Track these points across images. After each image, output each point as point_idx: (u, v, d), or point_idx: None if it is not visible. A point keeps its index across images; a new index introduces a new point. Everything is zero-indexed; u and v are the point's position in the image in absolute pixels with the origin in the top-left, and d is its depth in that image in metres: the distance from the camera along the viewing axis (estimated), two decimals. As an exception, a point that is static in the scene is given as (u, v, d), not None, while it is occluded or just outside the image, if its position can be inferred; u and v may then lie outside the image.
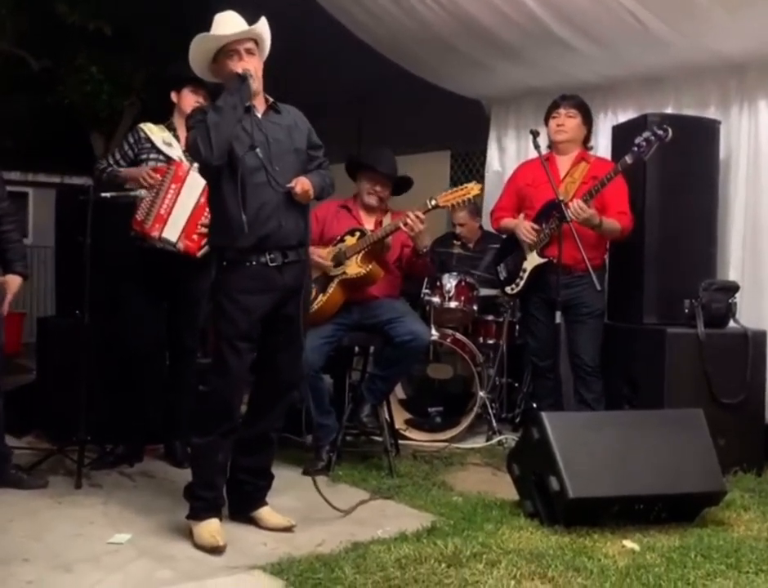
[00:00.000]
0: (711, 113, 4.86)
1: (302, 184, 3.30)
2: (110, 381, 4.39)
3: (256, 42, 3.35)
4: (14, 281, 3.88)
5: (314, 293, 4.31)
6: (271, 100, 3.41)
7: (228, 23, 3.32)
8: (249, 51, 3.30)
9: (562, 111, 4.45)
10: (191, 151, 3.28)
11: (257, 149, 3.24)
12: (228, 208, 3.23)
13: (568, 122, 4.44)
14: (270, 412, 3.42)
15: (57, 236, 4.74)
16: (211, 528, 3.18)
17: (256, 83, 3.30)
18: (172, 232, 3.97)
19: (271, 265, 3.26)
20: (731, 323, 4.33)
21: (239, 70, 3.23)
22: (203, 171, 3.47)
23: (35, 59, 7.53)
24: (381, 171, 4.44)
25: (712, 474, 3.43)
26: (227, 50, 3.29)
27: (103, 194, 3.96)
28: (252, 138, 3.25)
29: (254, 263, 3.25)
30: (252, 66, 3.27)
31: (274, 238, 3.26)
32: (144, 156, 4.18)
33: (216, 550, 3.10)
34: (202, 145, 3.15)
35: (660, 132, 4.02)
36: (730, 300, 4.30)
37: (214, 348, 3.32)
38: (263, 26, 3.37)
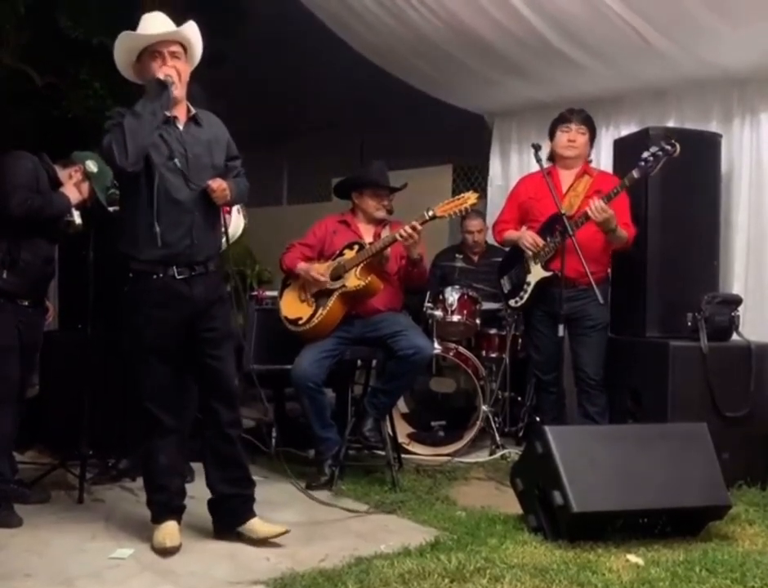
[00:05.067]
0: (713, 126, 4.88)
1: (219, 183, 3.28)
2: (113, 396, 4.38)
3: (184, 46, 3.30)
4: (52, 306, 4.15)
5: (314, 308, 4.32)
6: (194, 110, 3.36)
7: (155, 23, 3.29)
8: (174, 54, 3.26)
9: (573, 126, 4.43)
10: (105, 155, 3.18)
11: (176, 160, 3.21)
12: (139, 219, 3.21)
13: (579, 138, 4.43)
14: (214, 418, 3.38)
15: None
16: (165, 531, 3.23)
17: (179, 90, 3.24)
18: None
19: (178, 277, 3.25)
20: (734, 336, 4.32)
21: (161, 76, 3.18)
22: (117, 177, 3.43)
23: (39, 73, 7.56)
24: (385, 186, 4.53)
25: (717, 487, 3.42)
26: (151, 51, 3.25)
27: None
28: (171, 149, 3.23)
29: (161, 275, 3.24)
30: (174, 72, 3.21)
31: (184, 255, 3.25)
32: None
33: (164, 552, 3.16)
34: (117, 151, 3.09)
35: (668, 147, 3.99)
36: (733, 313, 4.29)
37: (126, 361, 3.36)
38: (191, 30, 3.32)
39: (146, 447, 3.36)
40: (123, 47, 3.32)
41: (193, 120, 3.35)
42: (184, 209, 3.25)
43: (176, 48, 3.27)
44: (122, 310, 3.34)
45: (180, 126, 3.31)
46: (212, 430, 3.40)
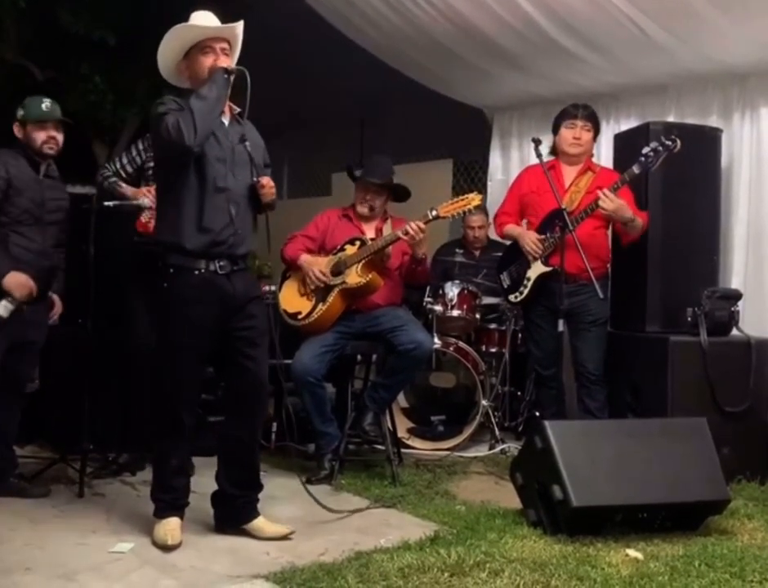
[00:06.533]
0: (713, 121, 4.87)
1: (269, 180, 3.32)
2: (113, 390, 4.39)
3: (230, 45, 3.32)
4: (59, 300, 4.05)
5: (313, 302, 4.32)
6: (237, 109, 3.37)
7: (206, 20, 3.31)
8: (224, 51, 3.28)
9: (579, 123, 4.41)
10: (170, 134, 3.08)
11: (246, 143, 3.23)
12: (184, 207, 3.20)
13: (584, 135, 4.42)
14: (241, 417, 3.39)
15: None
16: (167, 527, 3.24)
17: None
18: None
19: (220, 272, 3.24)
20: (734, 331, 4.33)
21: (225, 65, 3.20)
22: (162, 164, 3.38)
23: (39, 68, 7.55)
24: (367, 180, 4.45)
25: (716, 482, 3.42)
26: (202, 46, 3.25)
27: (106, 203, 3.97)
28: (219, 140, 3.24)
29: (202, 270, 3.22)
30: (232, 65, 3.24)
31: (227, 245, 3.24)
32: (151, 164, 4.18)
33: (166, 548, 3.16)
34: (185, 129, 3.05)
35: (668, 143, 3.98)
36: (732, 308, 4.29)
37: (159, 357, 3.31)
38: (241, 29, 3.34)
39: (161, 446, 3.32)
40: (176, 41, 3.29)
41: (235, 118, 3.37)
42: (228, 198, 3.25)
43: (225, 45, 3.28)
44: (158, 306, 3.30)
45: (226, 122, 3.33)
46: (234, 430, 3.38)
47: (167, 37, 3.29)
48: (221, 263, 3.24)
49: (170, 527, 3.24)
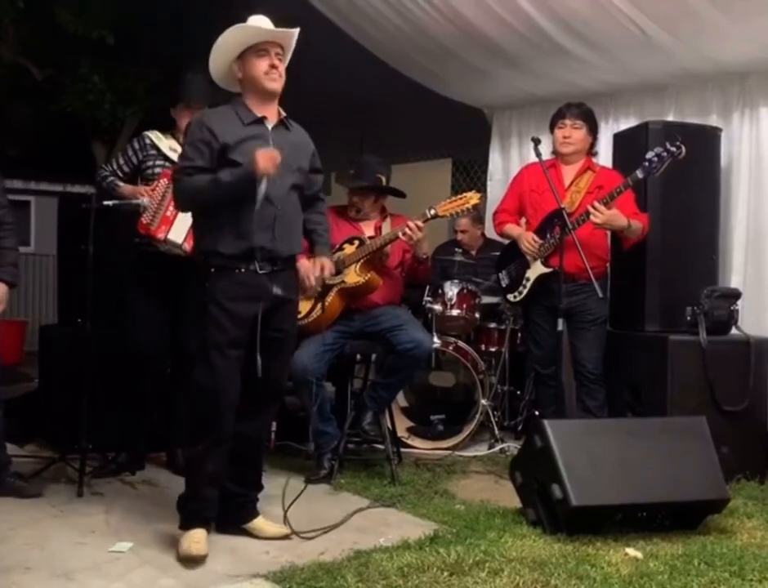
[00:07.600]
0: (712, 120, 4.87)
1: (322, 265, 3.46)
2: (112, 389, 4.39)
3: (283, 49, 3.32)
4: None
5: (312, 302, 4.32)
6: (284, 114, 3.37)
7: (263, 24, 3.31)
8: (278, 56, 3.28)
9: (568, 122, 4.41)
10: (173, 189, 3.34)
11: (263, 185, 3.16)
12: (222, 216, 3.20)
13: (574, 133, 4.41)
14: (254, 416, 3.38)
15: (59, 244, 4.75)
16: (193, 538, 3.13)
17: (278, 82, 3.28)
18: (178, 234, 3.96)
19: (260, 272, 3.24)
20: (733, 330, 4.33)
21: (261, 170, 3.11)
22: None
23: (38, 68, 7.55)
24: (349, 184, 4.52)
25: (715, 481, 3.42)
26: (258, 48, 3.24)
27: (105, 202, 3.97)
28: (261, 147, 3.22)
29: (242, 270, 3.22)
30: (273, 164, 3.13)
31: (266, 250, 3.24)
32: (149, 162, 4.18)
33: (190, 560, 3.06)
34: (180, 202, 3.34)
35: (673, 149, 3.95)
36: (732, 308, 4.29)
37: (201, 356, 3.27)
38: (296, 35, 3.35)
39: (197, 451, 3.23)
40: (232, 40, 3.26)
41: (282, 123, 3.36)
42: (268, 203, 3.22)
43: (279, 50, 3.28)
44: (200, 308, 3.26)
45: (269, 126, 3.31)
46: (243, 428, 3.34)
47: (222, 36, 3.27)
48: (261, 264, 3.24)
49: (196, 539, 3.13)
